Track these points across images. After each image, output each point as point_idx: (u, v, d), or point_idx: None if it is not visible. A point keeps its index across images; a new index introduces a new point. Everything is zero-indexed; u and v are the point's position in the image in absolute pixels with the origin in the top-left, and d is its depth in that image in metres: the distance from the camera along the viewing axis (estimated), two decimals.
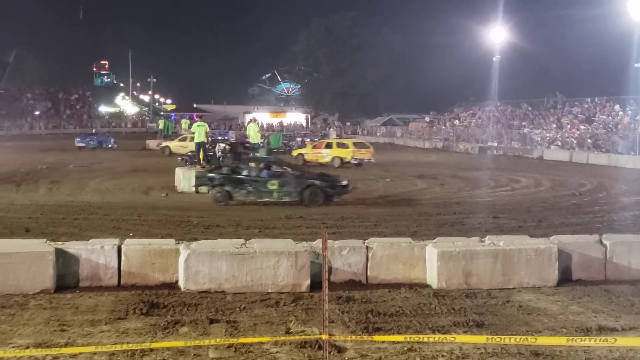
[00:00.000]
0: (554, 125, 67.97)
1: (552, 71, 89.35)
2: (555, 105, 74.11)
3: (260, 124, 52.80)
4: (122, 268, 12.90)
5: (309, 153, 46.64)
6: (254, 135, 34.61)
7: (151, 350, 9.21)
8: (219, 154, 33.04)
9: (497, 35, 78.25)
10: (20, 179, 34.14)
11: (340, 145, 47.06)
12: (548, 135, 64.54)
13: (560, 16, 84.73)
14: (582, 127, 63.91)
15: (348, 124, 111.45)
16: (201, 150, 31.99)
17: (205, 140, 32.45)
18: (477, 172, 41.18)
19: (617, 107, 65.19)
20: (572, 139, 60.38)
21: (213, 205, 24.74)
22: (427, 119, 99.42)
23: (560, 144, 61.10)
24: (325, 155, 45.80)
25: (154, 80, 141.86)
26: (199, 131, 32.30)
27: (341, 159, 44.88)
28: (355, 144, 47.51)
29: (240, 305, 11.62)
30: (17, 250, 12.47)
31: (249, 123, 42.61)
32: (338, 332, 10.18)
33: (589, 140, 57.64)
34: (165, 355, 9.14)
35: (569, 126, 65.62)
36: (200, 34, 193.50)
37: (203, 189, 27.43)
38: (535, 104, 77.37)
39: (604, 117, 64.43)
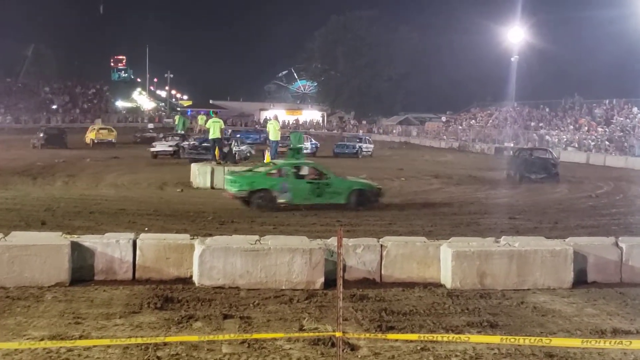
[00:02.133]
0: (571, 127, 67.74)
1: (570, 72, 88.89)
2: (572, 107, 73.84)
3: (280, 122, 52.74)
4: (137, 262, 12.95)
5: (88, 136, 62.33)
6: (273, 133, 34.54)
7: (165, 344, 9.24)
8: (235, 149, 33.10)
9: (515, 35, 77.99)
10: (36, 172, 34.31)
11: (91, 130, 63.94)
12: (565, 137, 64.32)
13: (580, 17, 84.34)
14: (600, 129, 63.63)
15: (364, 122, 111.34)
16: (216, 147, 32.01)
17: (221, 137, 32.49)
18: (493, 173, 41.06)
19: (635, 109, 64.84)
20: (589, 141, 60.14)
21: (228, 201, 24.77)
22: (444, 118, 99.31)
23: (577, 145, 60.88)
24: (86, 138, 61.86)
25: (171, 75, 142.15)
26: (214, 127, 32.34)
27: (92, 140, 60.76)
28: (99, 129, 64.55)
29: (254, 301, 11.63)
30: (33, 243, 12.52)
31: (269, 120, 42.66)
32: (351, 330, 10.17)
33: (606, 142, 57.40)
34: (178, 349, 9.16)
35: (586, 128, 65.35)
36: (217, 30, 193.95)
37: (219, 184, 27.86)
38: (552, 105, 77.08)
39: (622, 119, 64.11)
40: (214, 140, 32.27)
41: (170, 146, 47.08)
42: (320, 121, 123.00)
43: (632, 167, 48.83)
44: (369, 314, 11.08)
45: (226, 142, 35.97)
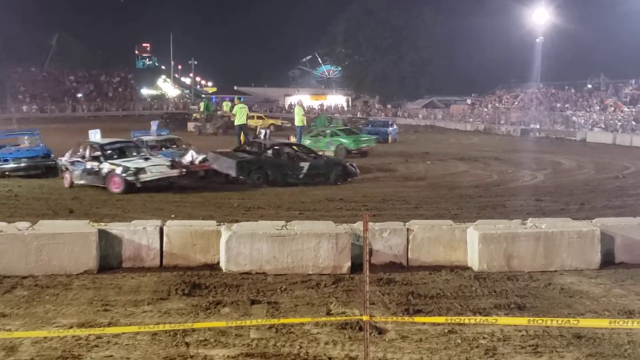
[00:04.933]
0: (597, 108, 67.18)
1: (596, 53, 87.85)
2: (598, 87, 73.21)
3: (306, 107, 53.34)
4: (164, 249, 13.03)
5: None
6: (298, 119, 34.57)
7: (193, 330, 9.30)
8: (261, 137, 33.15)
9: (540, 16, 77.34)
10: None
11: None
12: (591, 117, 63.79)
13: None
14: (626, 109, 63.04)
15: (389, 106, 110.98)
16: (242, 132, 32.06)
17: (246, 122, 32.56)
18: (519, 155, 40.90)
19: None
20: (616, 121, 59.63)
21: (254, 188, 24.83)
22: (469, 101, 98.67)
23: (603, 126, 60.39)
24: None
25: (195, 62, 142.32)
26: (241, 113, 32.40)
27: None
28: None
29: (281, 286, 11.68)
30: (61, 231, 12.62)
31: (294, 106, 42.74)
32: (379, 313, 10.20)
33: (633, 123, 56.90)
34: (207, 335, 9.22)
35: (612, 108, 64.78)
36: (241, 16, 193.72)
37: None
38: (578, 86, 76.45)
39: None
40: (240, 126, 32.31)
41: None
42: (345, 106, 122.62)
43: None
44: (396, 297, 11.10)
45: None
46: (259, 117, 67.40)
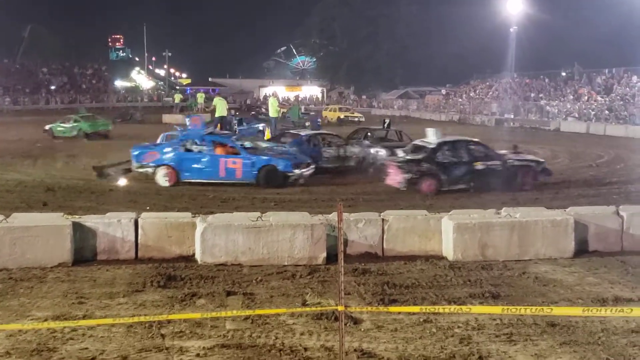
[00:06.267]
0: (571, 97, 67.53)
1: (570, 42, 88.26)
2: (572, 77, 73.58)
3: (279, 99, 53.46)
4: (139, 241, 12.99)
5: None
6: (273, 110, 34.64)
7: (169, 322, 9.29)
8: (235, 127, 33.19)
9: (513, 5, 77.70)
10: (37, 153, 34.25)
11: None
12: (565, 107, 64.12)
13: None
14: (600, 98, 63.41)
15: (364, 97, 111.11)
16: (219, 125, 32.08)
17: (226, 115, 32.70)
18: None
19: (635, 78, 64.51)
20: (590, 111, 59.99)
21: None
22: (443, 91, 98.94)
23: (577, 115, 60.73)
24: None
25: (169, 54, 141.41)
26: (221, 105, 32.55)
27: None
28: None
29: (257, 277, 11.69)
30: (35, 224, 12.55)
31: (269, 97, 42.87)
32: (354, 303, 10.22)
33: (607, 112, 57.29)
34: (182, 326, 9.21)
35: (586, 98, 65.15)
36: (215, 7, 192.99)
37: None
38: (552, 76, 76.81)
39: (621, 88, 63.84)
40: (220, 119, 32.39)
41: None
42: (320, 97, 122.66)
43: (632, 136, 48.64)
44: (371, 287, 11.13)
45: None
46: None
